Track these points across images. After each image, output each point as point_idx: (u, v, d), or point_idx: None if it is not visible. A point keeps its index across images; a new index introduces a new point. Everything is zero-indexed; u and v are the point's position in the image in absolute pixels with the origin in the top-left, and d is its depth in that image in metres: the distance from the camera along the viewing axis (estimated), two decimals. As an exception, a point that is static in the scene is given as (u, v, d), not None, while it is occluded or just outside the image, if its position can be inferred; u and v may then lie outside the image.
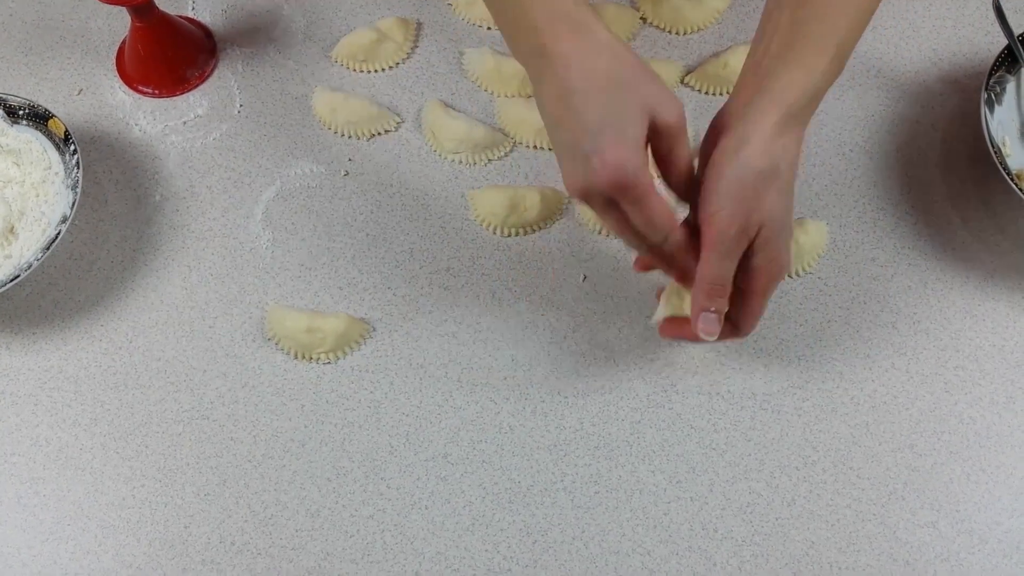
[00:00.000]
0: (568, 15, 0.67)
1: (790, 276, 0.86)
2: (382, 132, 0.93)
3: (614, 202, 0.66)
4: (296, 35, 0.98)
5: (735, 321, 0.72)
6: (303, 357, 0.82)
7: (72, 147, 0.85)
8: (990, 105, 0.86)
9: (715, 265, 0.68)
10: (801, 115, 0.69)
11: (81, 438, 0.80)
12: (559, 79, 0.65)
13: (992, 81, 0.87)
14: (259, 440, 0.80)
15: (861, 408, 0.81)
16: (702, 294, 0.70)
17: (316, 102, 0.94)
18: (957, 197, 0.90)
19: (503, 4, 0.69)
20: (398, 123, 0.94)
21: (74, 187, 0.83)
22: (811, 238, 0.85)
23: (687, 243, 0.69)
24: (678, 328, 0.75)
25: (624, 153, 0.64)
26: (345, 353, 0.83)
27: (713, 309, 0.70)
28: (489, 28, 0.99)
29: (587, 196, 0.66)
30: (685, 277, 0.72)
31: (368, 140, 0.93)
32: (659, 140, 0.67)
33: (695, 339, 0.72)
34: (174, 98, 0.95)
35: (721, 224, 0.67)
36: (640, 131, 0.65)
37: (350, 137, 0.93)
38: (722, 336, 0.71)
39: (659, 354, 0.83)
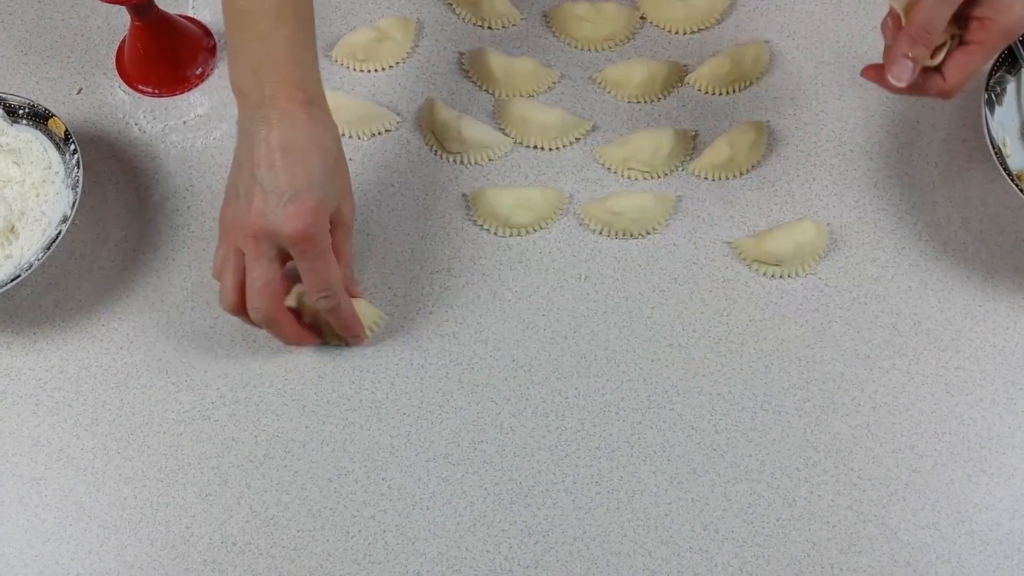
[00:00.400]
0: (313, 89, 0.75)
1: (789, 276, 0.85)
2: (382, 132, 0.93)
3: (278, 254, 0.73)
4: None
5: (945, 74, 0.72)
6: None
7: (72, 147, 0.85)
8: (990, 106, 0.86)
9: (930, 8, 0.69)
10: None
11: (82, 438, 0.80)
12: (287, 131, 0.72)
13: (992, 81, 0.87)
14: (260, 440, 0.80)
15: (862, 409, 0.81)
16: (907, 38, 0.70)
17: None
18: (958, 197, 0.90)
19: (259, 37, 0.74)
20: (398, 123, 0.94)
21: (74, 187, 0.83)
22: (811, 239, 0.85)
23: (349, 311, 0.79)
24: (877, 72, 0.74)
25: (322, 214, 0.72)
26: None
27: (911, 55, 0.70)
28: (490, 28, 0.99)
29: (258, 236, 0.72)
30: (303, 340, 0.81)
31: (368, 140, 0.93)
32: (334, 230, 0.75)
33: (887, 86, 0.73)
34: (174, 97, 0.95)
35: None
36: (336, 208, 0.75)
37: (350, 137, 0.93)
38: (927, 89, 0.73)
39: (660, 355, 0.83)
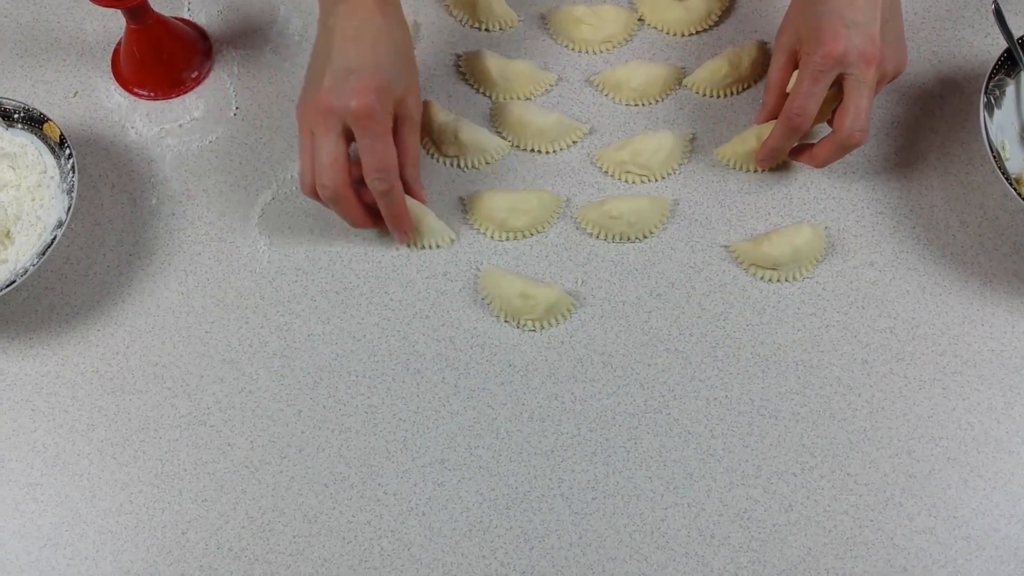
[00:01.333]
0: None
1: (787, 280, 0.85)
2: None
3: (344, 132, 0.77)
4: (292, 36, 0.98)
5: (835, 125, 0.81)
6: None
7: (67, 151, 0.84)
8: (989, 109, 0.86)
9: (802, 96, 0.80)
10: None
11: (78, 443, 0.80)
12: (361, 21, 0.78)
13: (991, 84, 0.86)
14: (256, 446, 0.80)
15: (859, 414, 0.81)
16: (781, 129, 0.83)
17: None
18: (956, 200, 0.90)
19: None
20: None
21: (70, 191, 0.83)
22: (809, 242, 0.85)
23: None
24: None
25: (385, 94, 0.76)
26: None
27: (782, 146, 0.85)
28: (487, 30, 0.98)
29: (325, 112, 0.76)
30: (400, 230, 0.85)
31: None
32: (399, 123, 0.81)
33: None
34: (170, 101, 0.95)
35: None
36: (401, 98, 0.79)
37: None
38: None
39: (656, 360, 0.83)
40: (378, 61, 0.77)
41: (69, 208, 0.82)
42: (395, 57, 0.79)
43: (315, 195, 0.80)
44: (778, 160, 0.87)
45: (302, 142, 0.79)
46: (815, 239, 0.86)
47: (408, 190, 0.84)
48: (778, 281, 0.86)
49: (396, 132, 0.80)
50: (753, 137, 0.90)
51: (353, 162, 0.80)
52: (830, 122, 0.83)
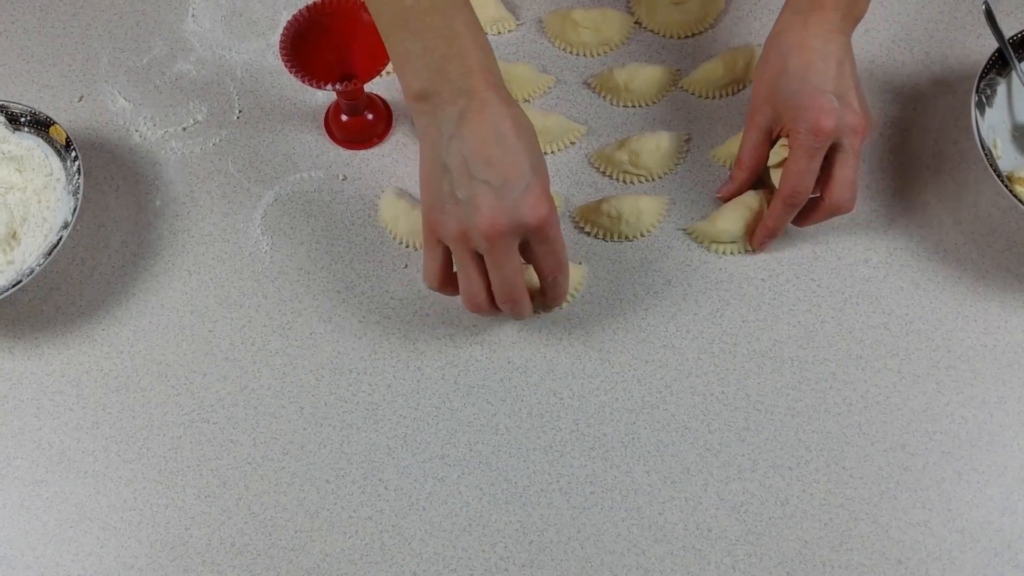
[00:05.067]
0: (494, 69, 0.72)
1: (745, 251, 0.89)
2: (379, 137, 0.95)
3: (522, 244, 0.72)
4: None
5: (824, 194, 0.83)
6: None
7: (73, 153, 0.86)
8: (981, 108, 0.87)
9: (794, 176, 0.81)
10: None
11: (83, 441, 0.81)
12: (493, 121, 0.69)
13: (983, 84, 0.87)
14: (258, 442, 0.81)
15: (854, 408, 0.82)
16: (780, 208, 0.84)
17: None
18: (949, 199, 0.91)
19: (436, 32, 0.70)
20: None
21: (75, 193, 0.84)
22: (757, 213, 0.88)
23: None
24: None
25: (548, 191, 0.71)
26: None
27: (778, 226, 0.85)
28: (499, 33, 1.00)
29: (502, 233, 0.70)
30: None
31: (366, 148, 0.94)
32: None
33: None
34: (174, 104, 0.96)
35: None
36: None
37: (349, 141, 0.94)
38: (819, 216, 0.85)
39: (654, 356, 0.84)
40: (533, 162, 0.70)
41: (75, 210, 0.84)
42: (537, 147, 0.73)
43: (492, 312, 0.78)
44: (775, 239, 0.88)
45: (458, 264, 0.74)
46: (762, 204, 0.88)
47: (549, 299, 0.81)
48: (739, 253, 0.88)
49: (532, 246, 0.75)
50: None
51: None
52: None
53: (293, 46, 0.84)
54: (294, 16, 0.85)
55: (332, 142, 0.94)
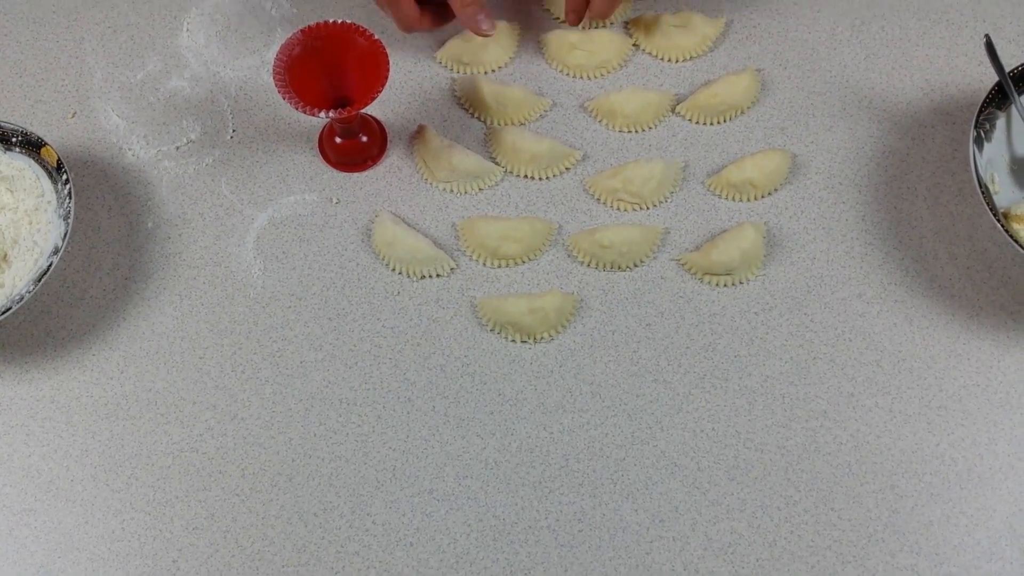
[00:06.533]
0: None
1: (741, 283, 0.88)
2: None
3: None
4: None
5: None
6: None
7: (64, 176, 0.85)
8: (979, 143, 0.86)
9: None
10: None
11: (72, 469, 0.81)
12: None
13: (982, 118, 0.87)
14: (247, 474, 0.81)
15: (844, 448, 0.82)
16: None
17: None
18: (945, 232, 0.90)
19: None
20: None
21: (66, 217, 0.84)
22: (753, 243, 0.87)
23: None
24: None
25: None
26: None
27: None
28: (501, 68, 0.99)
29: None
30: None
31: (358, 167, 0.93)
32: None
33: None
34: (167, 123, 0.95)
35: None
36: None
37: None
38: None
39: (645, 390, 0.84)
40: None
41: (65, 235, 0.83)
42: None
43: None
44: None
45: None
46: (757, 237, 0.88)
47: (465, 23, 0.88)
48: (732, 285, 0.88)
49: None
50: (747, 167, 0.90)
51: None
52: None
53: (287, 70, 0.83)
54: (288, 40, 0.84)
55: (326, 164, 0.93)
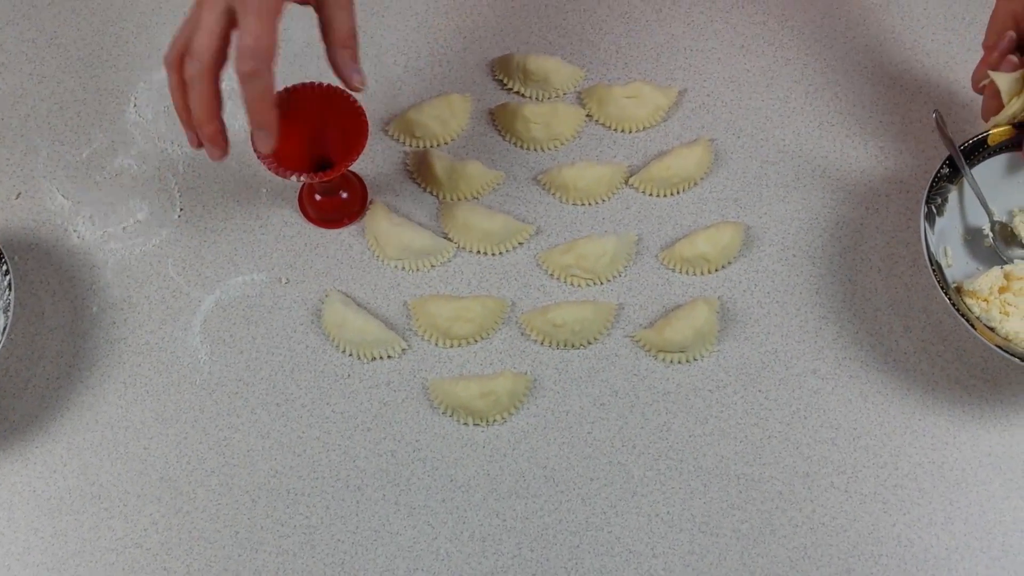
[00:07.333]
0: None
1: (695, 359, 0.87)
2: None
3: (228, 10, 0.69)
4: (239, 133, 0.96)
5: None
6: None
7: (4, 267, 0.83)
8: (931, 219, 0.86)
9: None
10: None
11: (13, 568, 0.80)
12: None
13: (933, 192, 0.86)
14: (192, 570, 0.79)
15: (799, 530, 0.81)
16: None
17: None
18: (900, 304, 0.90)
19: None
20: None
21: (5, 310, 0.82)
22: (707, 319, 0.87)
23: None
24: None
25: None
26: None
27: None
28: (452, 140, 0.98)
29: None
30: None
31: (311, 247, 0.92)
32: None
33: None
34: (114, 203, 0.93)
35: None
36: None
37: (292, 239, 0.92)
38: None
39: (599, 473, 0.83)
40: None
41: (4, 329, 0.82)
42: None
43: (178, 66, 0.73)
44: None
45: (188, 16, 0.73)
46: (710, 314, 0.87)
47: (338, 72, 0.76)
48: (687, 362, 0.87)
49: (320, 7, 0.73)
50: (700, 241, 0.90)
51: None
52: None
53: None
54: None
55: (307, 221, 0.93)
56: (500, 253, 0.92)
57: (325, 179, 0.82)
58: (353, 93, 0.80)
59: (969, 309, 0.83)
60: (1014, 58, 0.82)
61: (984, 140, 0.88)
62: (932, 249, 0.84)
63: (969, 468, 0.84)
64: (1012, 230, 0.89)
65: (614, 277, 0.91)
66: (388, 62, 1.00)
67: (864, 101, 0.99)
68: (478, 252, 0.92)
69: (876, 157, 0.96)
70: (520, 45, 1.01)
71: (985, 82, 0.84)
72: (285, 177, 0.81)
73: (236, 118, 0.80)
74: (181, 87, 0.74)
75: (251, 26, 0.69)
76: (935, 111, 0.90)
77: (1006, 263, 0.86)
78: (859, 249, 0.92)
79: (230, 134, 0.76)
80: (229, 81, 0.72)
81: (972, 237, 0.90)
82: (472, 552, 0.80)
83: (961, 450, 0.84)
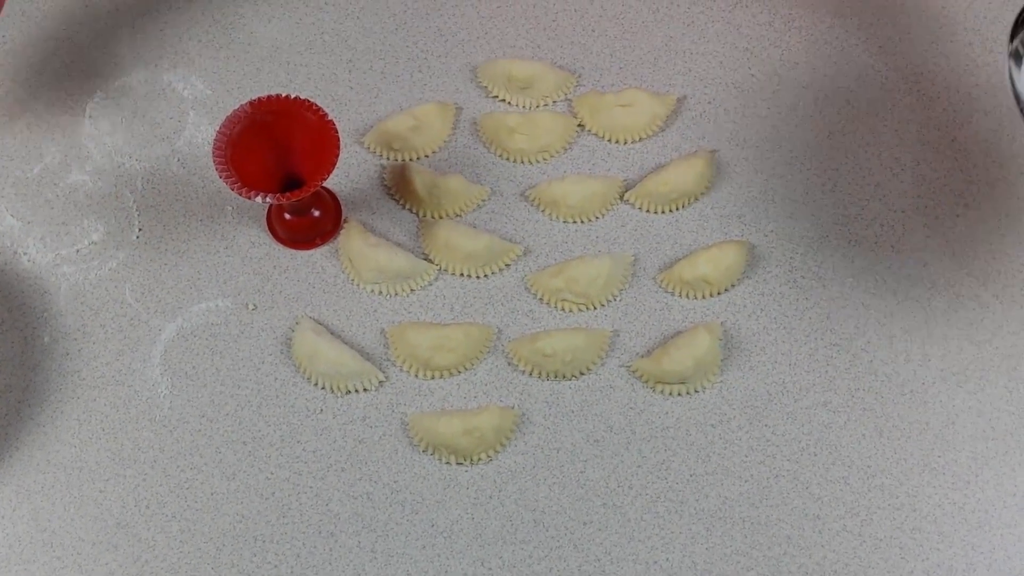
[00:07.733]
0: None
1: (696, 391, 0.81)
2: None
3: None
4: (202, 147, 0.90)
5: None
6: None
7: (-56, 297, 0.77)
8: (1017, 58, 0.75)
9: None
10: None
11: (-46, 627, 0.73)
12: None
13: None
14: (150, 629, 0.73)
15: (810, 580, 0.75)
16: None
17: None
18: (918, 330, 0.84)
19: None
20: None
21: (-54, 344, 0.76)
22: (709, 349, 0.81)
23: None
24: None
25: None
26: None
27: None
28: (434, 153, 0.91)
29: None
30: None
31: (281, 271, 0.86)
32: None
33: None
34: (67, 222, 0.87)
35: None
36: None
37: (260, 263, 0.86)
38: None
39: (592, 516, 0.77)
40: None
41: (-57, 365, 0.75)
42: None
43: None
44: None
45: None
46: (712, 342, 0.81)
47: None
48: (687, 394, 0.81)
49: None
50: (701, 262, 0.83)
51: None
52: None
53: (229, 145, 0.76)
54: (233, 113, 0.77)
55: (275, 241, 0.87)
56: (485, 276, 0.86)
57: (293, 199, 0.75)
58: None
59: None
60: None
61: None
62: (1018, 89, 0.72)
63: (993, 510, 0.78)
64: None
65: (608, 301, 0.85)
66: (364, 68, 0.94)
67: (878, 108, 0.92)
68: (461, 275, 0.86)
69: (892, 170, 0.90)
70: (507, 49, 0.95)
71: None
72: (249, 198, 0.74)
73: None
74: None
75: None
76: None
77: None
78: (873, 271, 0.86)
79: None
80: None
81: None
82: (455, 606, 0.74)
83: (984, 490, 0.78)
